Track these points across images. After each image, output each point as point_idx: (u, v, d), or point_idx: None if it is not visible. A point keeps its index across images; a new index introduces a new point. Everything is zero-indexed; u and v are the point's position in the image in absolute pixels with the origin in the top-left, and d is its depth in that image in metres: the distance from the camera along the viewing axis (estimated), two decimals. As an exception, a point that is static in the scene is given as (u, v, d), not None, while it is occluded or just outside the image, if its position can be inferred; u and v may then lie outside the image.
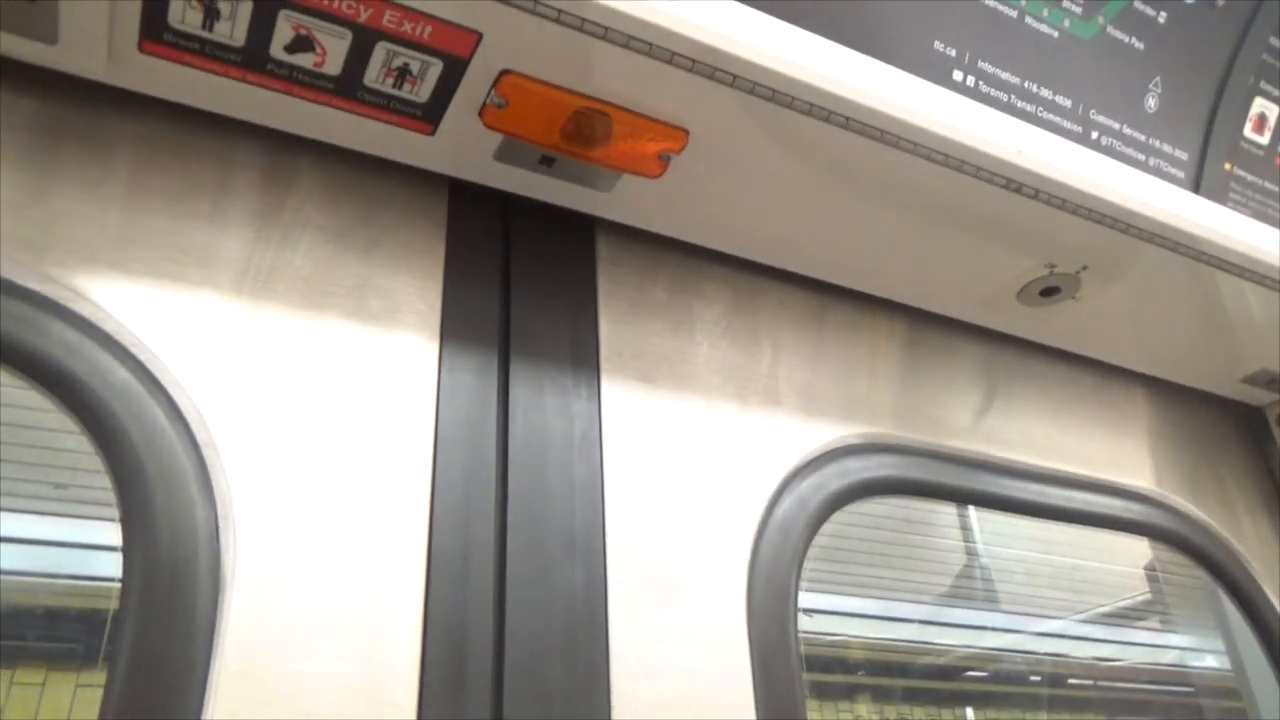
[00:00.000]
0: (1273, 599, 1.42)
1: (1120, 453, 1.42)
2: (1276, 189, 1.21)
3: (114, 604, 0.74)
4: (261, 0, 0.77)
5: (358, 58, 0.83)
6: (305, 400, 0.84)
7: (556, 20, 0.79)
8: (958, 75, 0.98)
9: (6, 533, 0.95)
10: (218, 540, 0.76)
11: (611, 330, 1.03)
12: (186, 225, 0.86)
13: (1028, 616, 1.72)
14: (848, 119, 0.91)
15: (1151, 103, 1.12)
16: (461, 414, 0.90)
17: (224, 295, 0.85)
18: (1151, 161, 1.11)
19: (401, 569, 0.81)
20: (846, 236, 1.12)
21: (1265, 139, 1.21)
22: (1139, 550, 1.64)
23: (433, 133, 0.92)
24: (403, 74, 0.85)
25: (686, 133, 0.93)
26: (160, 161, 0.88)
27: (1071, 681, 1.78)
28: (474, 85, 0.86)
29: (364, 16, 0.79)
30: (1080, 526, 1.34)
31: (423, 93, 0.87)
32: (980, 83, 0.99)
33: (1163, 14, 1.11)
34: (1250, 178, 1.19)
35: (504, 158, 0.96)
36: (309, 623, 0.76)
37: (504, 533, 0.86)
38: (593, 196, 1.02)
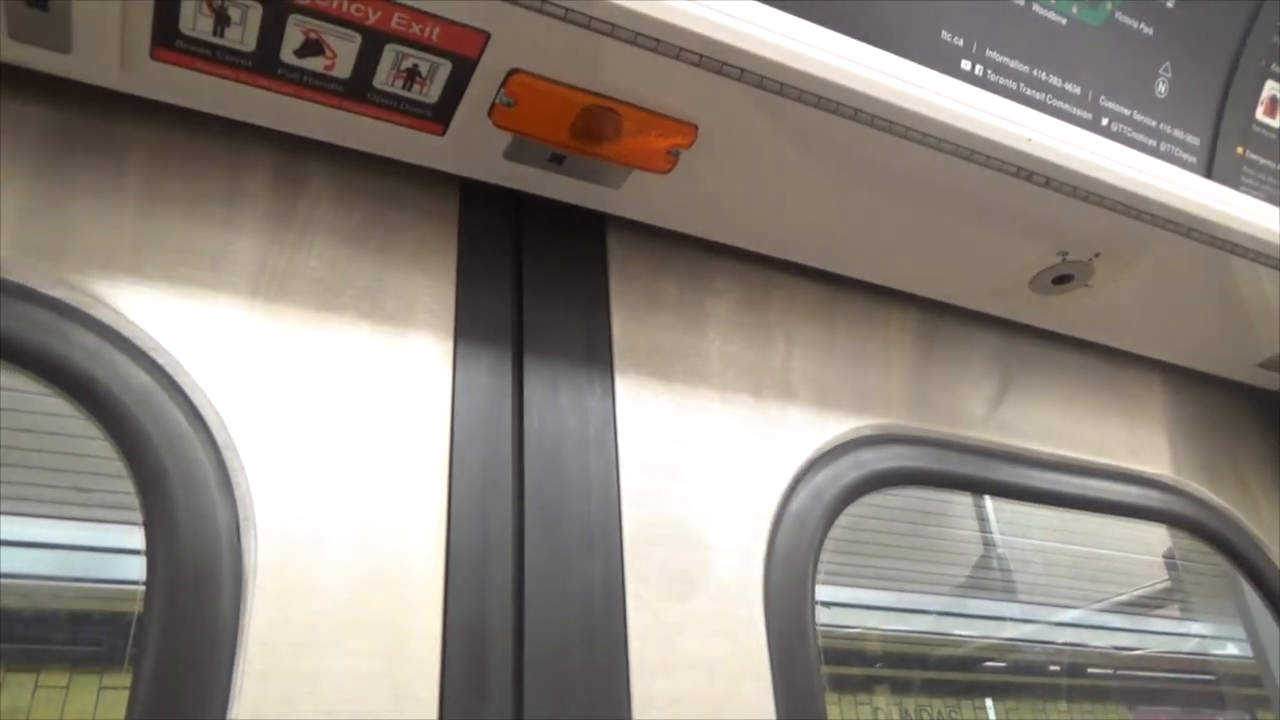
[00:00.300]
0: (1293, 584, 1.42)
1: (1137, 440, 1.41)
2: (1290, 172, 1.20)
3: (138, 606, 0.75)
4: (271, 5, 0.77)
5: (367, 60, 0.83)
6: (323, 400, 0.85)
7: (564, 19, 0.80)
8: (966, 64, 0.98)
9: (32, 538, 0.97)
10: (239, 541, 0.77)
11: (624, 326, 1.03)
12: (201, 230, 0.87)
13: (1046, 606, 1.72)
14: (856, 111, 0.91)
15: (1162, 88, 1.11)
16: (477, 412, 0.91)
17: (240, 298, 0.86)
18: (1163, 147, 1.11)
19: (421, 566, 0.82)
20: (857, 228, 1.12)
21: (1277, 122, 1.20)
22: (1157, 538, 1.63)
23: (443, 133, 0.93)
24: (412, 75, 0.85)
25: (695, 128, 0.93)
26: (174, 167, 0.89)
27: (1091, 671, 1.78)
28: (483, 85, 0.87)
29: (372, 19, 0.79)
30: (1097, 515, 1.34)
31: (432, 93, 0.88)
32: (989, 71, 0.99)
33: (1172, -2, 1.11)
34: (1263, 161, 1.18)
35: (514, 156, 0.96)
36: (331, 621, 0.77)
37: (521, 529, 0.87)
38: (603, 193, 1.03)
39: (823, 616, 1.02)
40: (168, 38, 0.79)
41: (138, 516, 0.77)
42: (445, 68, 0.85)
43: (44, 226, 0.81)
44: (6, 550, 0.95)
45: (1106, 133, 1.06)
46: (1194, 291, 1.27)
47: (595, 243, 1.07)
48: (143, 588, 0.75)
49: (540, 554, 0.87)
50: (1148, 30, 1.10)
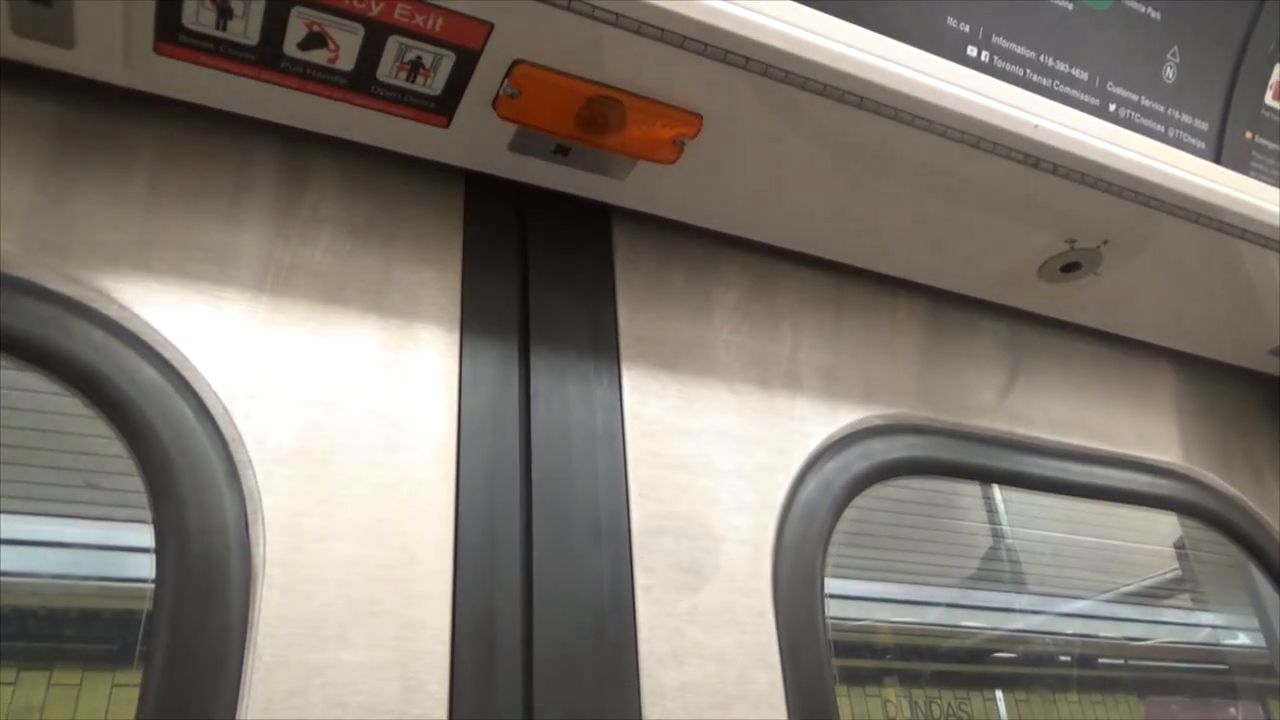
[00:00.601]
0: (1306, 573, 1.41)
1: (1147, 428, 1.41)
2: (1299, 157, 1.19)
3: (148, 604, 0.75)
4: (274, -2, 0.77)
5: (370, 52, 0.83)
6: (329, 393, 0.85)
7: (567, 8, 0.79)
8: (972, 51, 0.97)
9: (42, 537, 0.97)
10: (247, 535, 0.77)
11: (630, 317, 1.03)
12: (207, 224, 0.87)
13: (1056, 597, 1.71)
14: (862, 98, 0.90)
15: (1169, 73, 1.10)
16: (484, 404, 0.91)
17: (246, 292, 0.86)
18: (1171, 132, 1.10)
19: (429, 558, 0.82)
20: (864, 217, 1.11)
21: (1287, 106, 1.19)
22: (1167, 527, 1.62)
23: (447, 125, 0.92)
24: (416, 67, 0.85)
25: (700, 117, 0.93)
26: (179, 162, 0.89)
27: (1102, 661, 1.77)
28: (487, 76, 0.87)
29: (375, 11, 0.79)
30: (1108, 503, 1.33)
31: (436, 85, 0.87)
32: (995, 58, 0.98)
33: (1179, -18, 1.10)
34: (1272, 146, 1.17)
35: (519, 148, 0.96)
36: (340, 614, 0.77)
37: (529, 521, 0.87)
38: (608, 184, 1.02)
39: (831, 608, 1.01)
40: (171, 32, 0.79)
41: (148, 515, 0.77)
42: (449, 59, 0.85)
43: (50, 222, 0.81)
44: (19, 549, 0.95)
45: (1114, 118, 1.06)
46: (1203, 278, 1.26)
47: (601, 234, 1.07)
48: (152, 586, 0.75)
49: (549, 545, 0.86)
50: (1155, 14, 1.09)
